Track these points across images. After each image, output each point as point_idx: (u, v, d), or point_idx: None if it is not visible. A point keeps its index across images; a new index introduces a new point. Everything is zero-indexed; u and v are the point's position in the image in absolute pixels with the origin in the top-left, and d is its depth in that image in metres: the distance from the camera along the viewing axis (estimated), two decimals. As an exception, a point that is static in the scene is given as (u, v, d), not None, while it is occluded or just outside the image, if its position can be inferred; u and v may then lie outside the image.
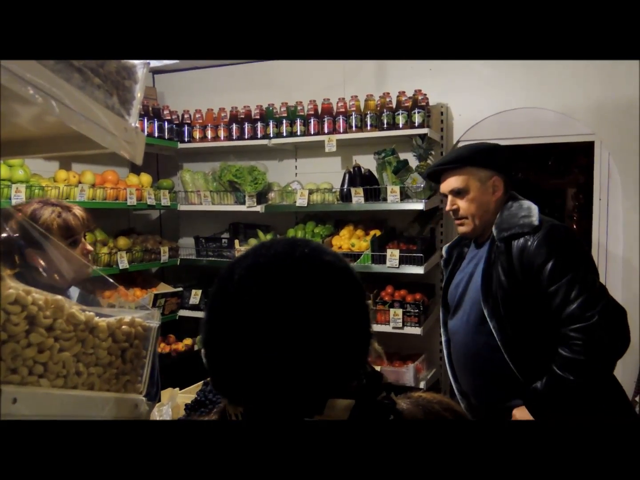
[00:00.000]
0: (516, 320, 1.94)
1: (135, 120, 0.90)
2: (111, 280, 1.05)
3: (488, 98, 3.65)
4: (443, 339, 2.32)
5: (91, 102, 0.81)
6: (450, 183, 2.09)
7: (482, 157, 2.07)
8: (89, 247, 1.88)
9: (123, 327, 0.90)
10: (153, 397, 0.97)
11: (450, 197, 2.11)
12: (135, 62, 0.89)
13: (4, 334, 0.72)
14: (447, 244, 2.38)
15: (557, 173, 5.81)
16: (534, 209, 2.03)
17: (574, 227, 5.87)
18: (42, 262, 1.57)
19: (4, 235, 1.05)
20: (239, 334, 0.77)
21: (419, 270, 3.39)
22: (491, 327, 1.96)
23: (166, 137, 4.11)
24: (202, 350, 0.84)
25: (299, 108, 3.89)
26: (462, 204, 2.08)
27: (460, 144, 3.75)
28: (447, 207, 2.13)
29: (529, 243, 1.93)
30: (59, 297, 0.80)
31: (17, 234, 1.46)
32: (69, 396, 0.79)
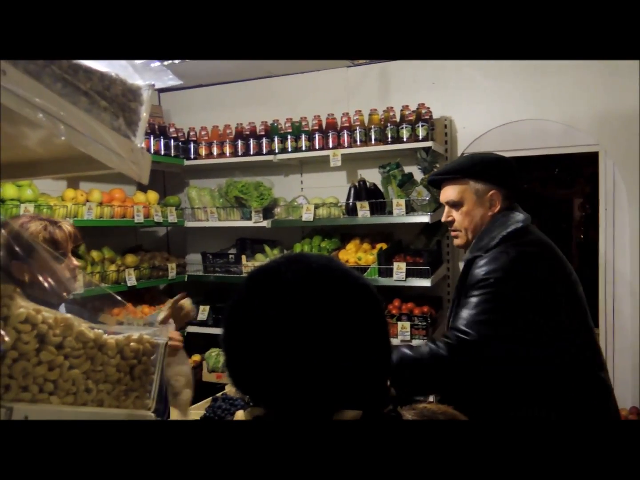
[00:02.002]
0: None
1: (141, 141, 0.91)
2: (119, 297, 1.06)
3: (491, 110, 3.67)
4: None
5: (98, 124, 0.83)
6: (448, 194, 2.01)
7: (480, 169, 1.97)
8: (76, 263, 1.87)
9: (131, 344, 0.91)
10: (162, 413, 0.98)
11: (447, 208, 2.04)
12: (141, 84, 0.91)
13: (14, 353, 0.73)
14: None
15: (563, 184, 5.82)
16: (511, 226, 1.89)
17: (581, 237, 5.86)
18: (27, 276, 1.57)
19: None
20: (262, 334, 0.80)
21: (426, 282, 3.39)
22: None
23: (172, 154, 4.15)
24: (222, 347, 0.86)
25: (303, 123, 3.92)
26: (457, 217, 2.00)
27: (465, 156, 3.77)
28: (443, 218, 2.06)
29: (477, 261, 1.87)
30: (69, 315, 0.82)
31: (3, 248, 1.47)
32: (79, 413, 0.80)
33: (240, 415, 0.88)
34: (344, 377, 0.80)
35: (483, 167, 1.98)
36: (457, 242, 2.08)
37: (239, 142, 4.06)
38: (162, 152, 4.07)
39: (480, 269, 1.82)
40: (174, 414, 2.53)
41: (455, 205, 1.99)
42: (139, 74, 0.91)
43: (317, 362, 0.79)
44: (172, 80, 0.95)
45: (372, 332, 0.85)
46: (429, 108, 3.59)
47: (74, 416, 0.80)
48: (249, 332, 0.82)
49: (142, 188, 4.19)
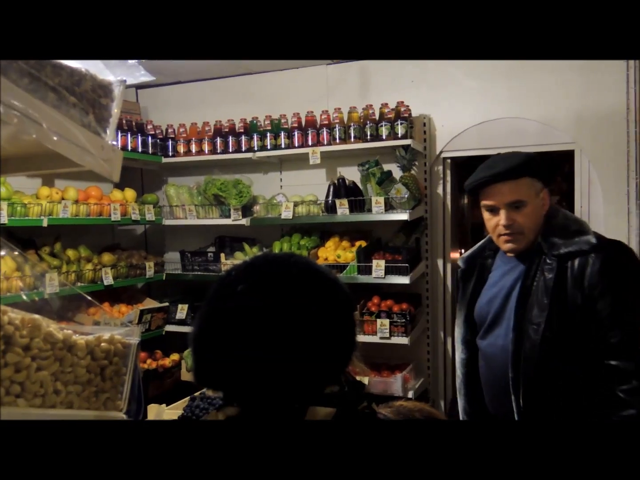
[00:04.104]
0: (547, 342, 1.77)
1: (112, 137, 0.90)
2: (90, 298, 1.04)
3: (470, 109, 3.69)
4: (461, 356, 2.10)
5: (67, 121, 0.81)
6: (508, 195, 1.84)
7: (537, 167, 1.88)
8: None
9: (102, 344, 0.89)
10: (135, 414, 0.96)
11: (505, 211, 1.85)
12: (112, 79, 0.90)
13: (-21, 355, 0.72)
14: (465, 254, 2.16)
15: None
16: (584, 222, 1.90)
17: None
18: None
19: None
20: (230, 331, 0.82)
21: (404, 280, 3.40)
22: (510, 338, 1.83)
23: (150, 151, 4.11)
24: (191, 345, 0.87)
25: (282, 121, 3.90)
26: (520, 218, 1.85)
27: (444, 154, 3.79)
28: (504, 222, 1.85)
29: (591, 263, 1.74)
30: (36, 316, 0.80)
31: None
32: (47, 415, 0.79)
33: (213, 415, 0.88)
34: (312, 363, 0.81)
35: (538, 165, 1.89)
36: (512, 245, 1.90)
37: (218, 140, 4.03)
38: (140, 150, 4.03)
39: (611, 277, 1.74)
40: (152, 413, 2.51)
41: (519, 205, 1.85)
42: (110, 69, 0.89)
43: (287, 345, 0.80)
44: (144, 77, 0.93)
45: (340, 322, 0.86)
46: (408, 106, 3.60)
47: (42, 419, 0.78)
48: (223, 322, 0.84)
49: (119, 186, 4.14)
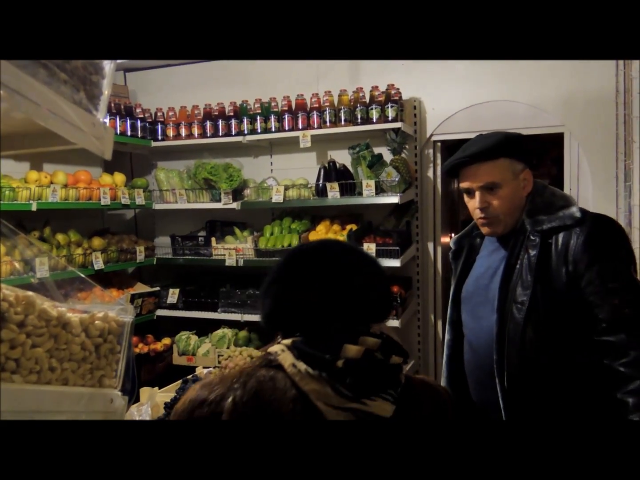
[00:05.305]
0: (531, 321, 1.72)
1: (103, 115, 0.90)
2: (88, 279, 1.04)
3: (460, 92, 3.69)
4: (447, 337, 2.07)
5: (58, 98, 0.80)
6: (482, 177, 1.79)
7: (516, 147, 1.82)
8: None
9: (96, 322, 0.90)
10: (129, 392, 0.97)
11: (479, 193, 1.80)
12: (102, 57, 0.89)
13: (-26, 331, 0.72)
14: (456, 235, 2.11)
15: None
16: (571, 197, 1.84)
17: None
18: None
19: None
20: (300, 280, 1.09)
21: (395, 263, 3.42)
22: (493, 319, 1.77)
23: (139, 135, 4.08)
24: (265, 297, 1.11)
25: (272, 104, 3.89)
26: (495, 201, 1.80)
27: (434, 138, 3.79)
28: (478, 205, 1.81)
29: (575, 238, 1.70)
30: (30, 293, 0.80)
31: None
32: (43, 392, 0.79)
33: (278, 346, 1.05)
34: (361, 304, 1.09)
35: (517, 144, 1.84)
36: (490, 229, 1.86)
37: (208, 123, 4.01)
38: (129, 133, 4.00)
39: (596, 250, 1.68)
40: (144, 396, 2.51)
41: (493, 188, 1.80)
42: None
43: (343, 294, 1.07)
44: (134, 54, 0.92)
45: (378, 281, 1.14)
46: (398, 89, 3.60)
47: (37, 395, 0.78)
48: (301, 280, 1.10)
49: (108, 170, 4.11)
